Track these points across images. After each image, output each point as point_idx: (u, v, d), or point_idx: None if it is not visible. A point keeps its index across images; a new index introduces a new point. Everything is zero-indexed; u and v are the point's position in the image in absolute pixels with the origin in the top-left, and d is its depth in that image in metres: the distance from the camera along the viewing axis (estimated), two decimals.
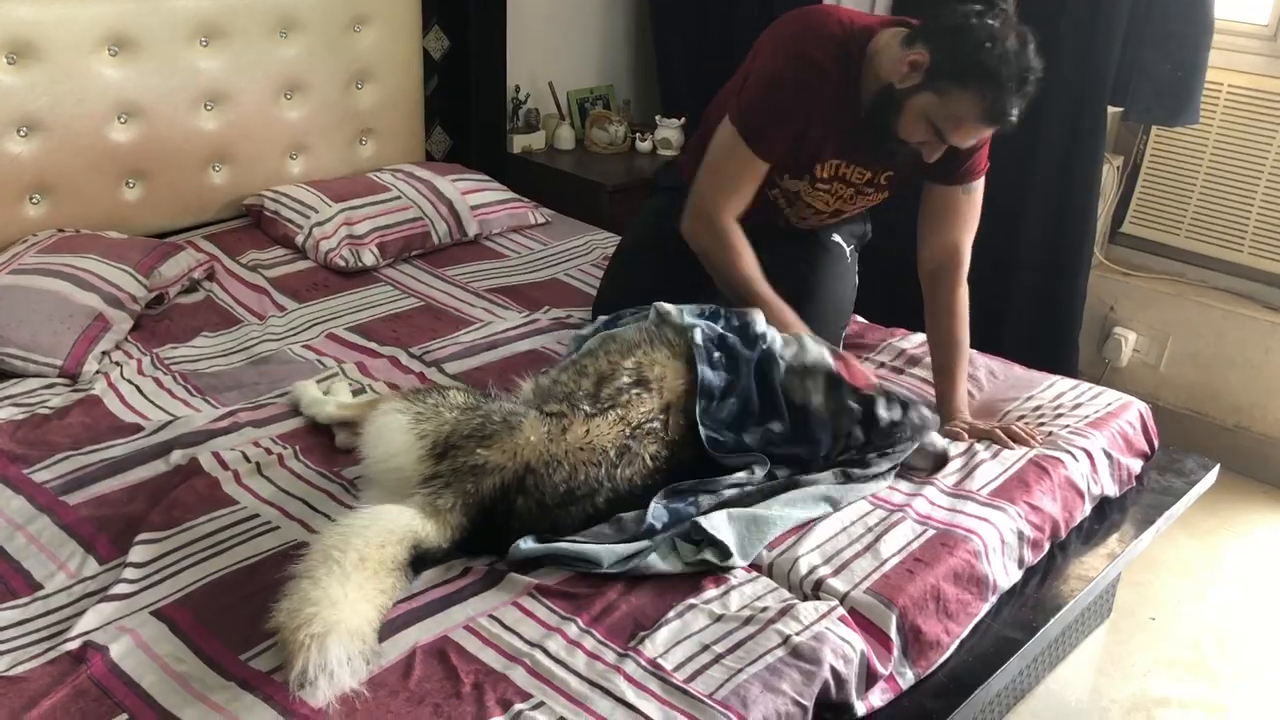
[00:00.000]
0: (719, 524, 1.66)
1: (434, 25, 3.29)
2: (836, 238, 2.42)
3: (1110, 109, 2.92)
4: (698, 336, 1.88)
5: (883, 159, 2.16)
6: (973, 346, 2.26)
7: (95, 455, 1.87)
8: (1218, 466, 2.26)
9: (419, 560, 1.57)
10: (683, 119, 3.69)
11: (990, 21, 1.89)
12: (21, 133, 2.53)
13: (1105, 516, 2.06)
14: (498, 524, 1.65)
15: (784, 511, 1.74)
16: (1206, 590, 2.59)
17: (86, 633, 1.46)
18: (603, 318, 2.14)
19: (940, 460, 1.95)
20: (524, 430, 1.68)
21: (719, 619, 1.54)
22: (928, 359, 2.26)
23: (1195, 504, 2.22)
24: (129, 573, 1.57)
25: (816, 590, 1.62)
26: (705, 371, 1.83)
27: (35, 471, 1.82)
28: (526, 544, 1.61)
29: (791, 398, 1.88)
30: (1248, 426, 3.08)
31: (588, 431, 1.70)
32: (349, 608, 1.41)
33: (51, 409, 2.02)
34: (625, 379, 1.79)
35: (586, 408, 1.74)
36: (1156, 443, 2.24)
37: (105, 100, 2.63)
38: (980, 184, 2.20)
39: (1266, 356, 3.00)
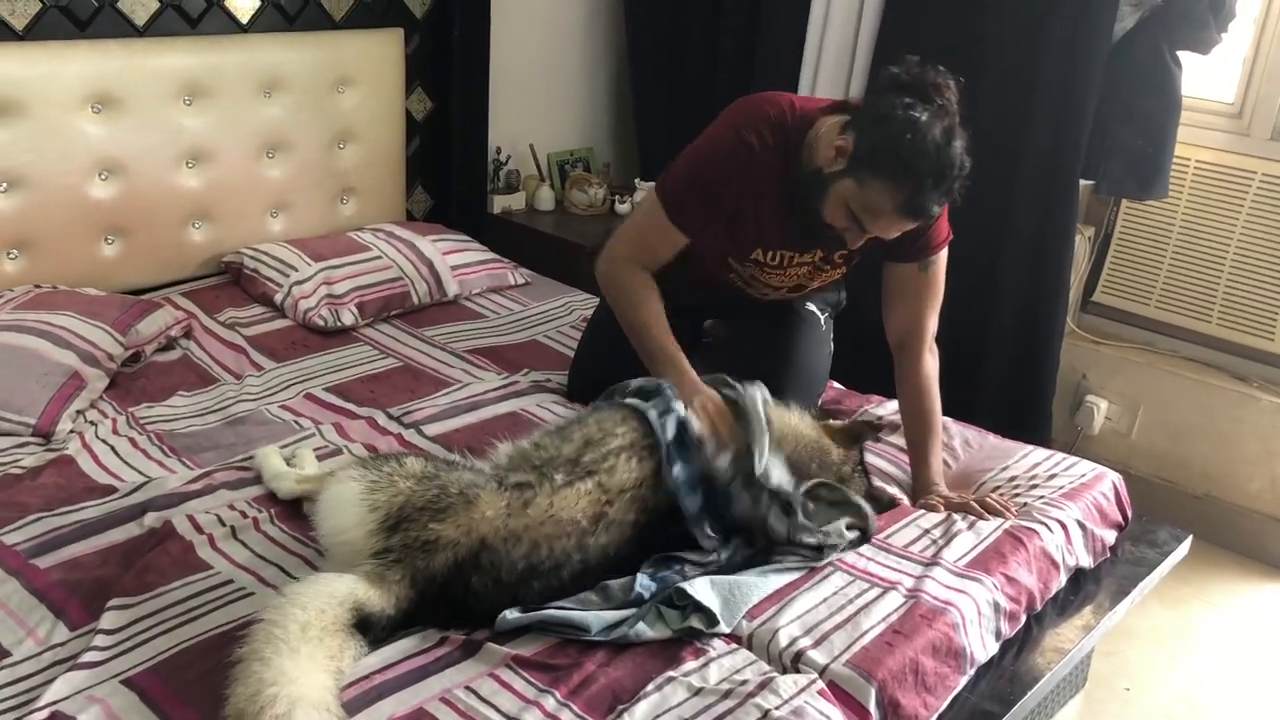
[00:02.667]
0: (702, 590, 1.66)
1: (417, 87, 3.33)
2: (811, 306, 2.44)
3: (1082, 182, 2.97)
4: (668, 431, 1.81)
5: (817, 243, 2.16)
6: (947, 414, 2.27)
7: (68, 517, 1.84)
8: (1190, 538, 2.28)
9: (364, 625, 1.53)
10: None
11: (916, 114, 1.86)
12: (2, 188, 2.52)
13: (1080, 588, 2.07)
14: (453, 599, 1.61)
15: (765, 574, 1.75)
16: (1180, 660, 2.60)
17: (55, 702, 1.42)
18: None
19: (888, 504, 2.01)
20: (479, 505, 1.63)
21: (698, 692, 1.52)
22: (902, 426, 2.28)
23: (1167, 573, 2.23)
24: (99, 639, 1.54)
25: (796, 662, 1.61)
26: (674, 472, 1.78)
27: (6, 534, 1.79)
28: (513, 614, 1.60)
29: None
30: (1218, 496, 3.11)
31: (551, 504, 1.66)
32: (305, 680, 1.39)
33: (23, 469, 2.00)
34: (615, 443, 1.77)
35: (559, 477, 1.71)
36: (1130, 513, 2.26)
37: (87, 157, 2.63)
38: (939, 258, 2.20)
39: (1236, 426, 3.04)
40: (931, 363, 2.24)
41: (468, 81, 3.38)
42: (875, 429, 2.14)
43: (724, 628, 1.64)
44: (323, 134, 3.08)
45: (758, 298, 2.35)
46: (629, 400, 1.90)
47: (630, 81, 3.88)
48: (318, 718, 1.36)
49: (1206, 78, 3.04)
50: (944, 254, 2.22)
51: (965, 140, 1.91)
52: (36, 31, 2.54)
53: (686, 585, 1.66)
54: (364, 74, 3.11)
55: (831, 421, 2.09)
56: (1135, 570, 2.16)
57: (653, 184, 3.64)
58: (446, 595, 1.61)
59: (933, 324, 2.24)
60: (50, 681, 1.47)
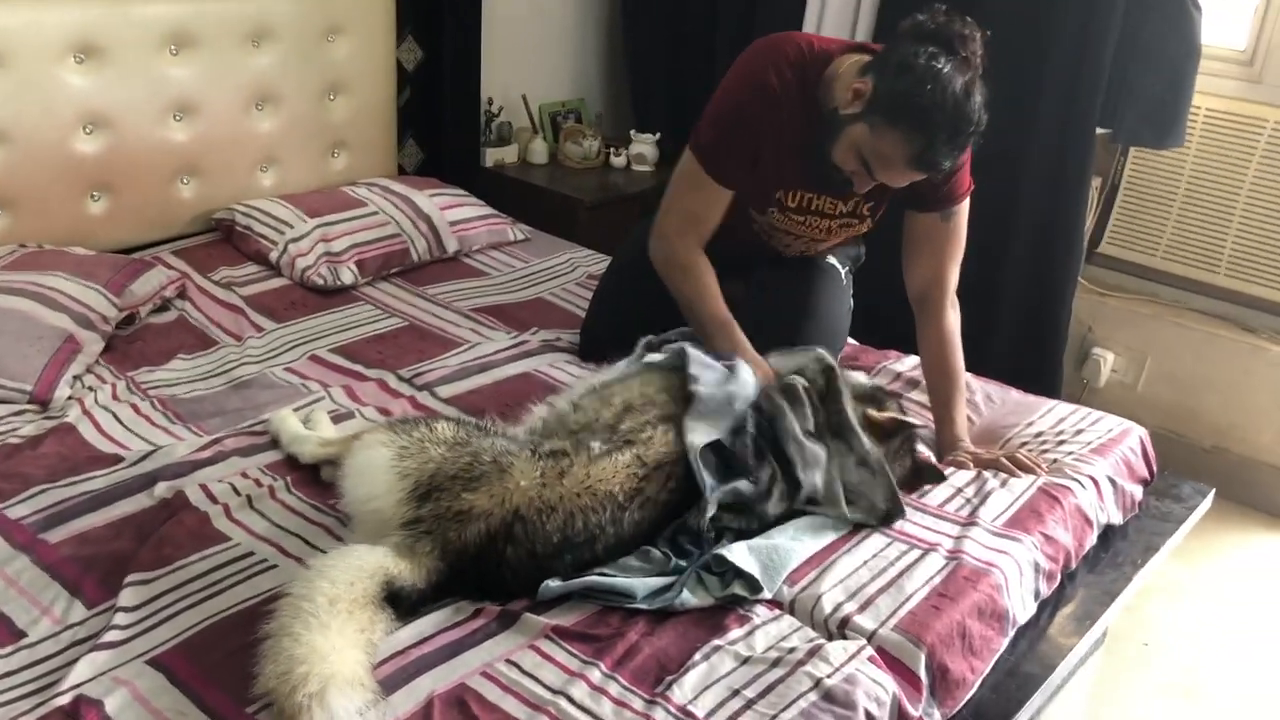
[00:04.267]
0: (740, 555, 1.61)
1: (408, 36, 3.21)
2: (831, 259, 2.39)
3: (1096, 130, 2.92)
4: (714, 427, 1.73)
5: (829, 185, 2.11)
6: None
7: (74, 488, 1.76)
8: (1213, 492, 2.26)
9: (394, 599, 1.47)
10: (658, 135, 3.64)
11: (937, 65, 1.81)
12: None
13: (1109, 544, 2.05)
14: (485, 571, 1.55)
15: (799, 537, 1.70)
16: (1195, 614, 2.60)
17: (78, 685, 1.35)
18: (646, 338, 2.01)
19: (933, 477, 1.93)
20: (514, 474, 1.57)
21: (746, 661, 1.48)
22: (925, 382, 2.24)
23: None
24: (120, 618, 1.47)
25: (842, 628, 1.57)
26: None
27: (10, 506, 1.70)
28: (556, 583, 1.54)
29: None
30: (1226, 448, 3.10)
31: (589, 475, 1.60)
32: (337, 657, 1.33)
33: (23, 438, 1.91)
34: (655, 413, 1.71)
35: (596, 445, 1.64)
36: (1155, 469, 2.23)
37: (71, 110, 2.52)
38: (961, 208, 2.16)
39: (1245, 378, 3.02)
40: (954, 317, 2.19)
41: (459, 29, 3.26)
42: (908, 426, 1.97)
43: (766, 594, 1.60)
44: (313, 85, 2.97)
45: (780, 250, 2.29)
46: (670, 362, 1.85)
47: (623, 29, 3.77)
48: (352, 695, 1.30)
49: (1217, 23, 2.98)
50: (966, 205, 2.17)
51: (985, 95, 1.86)
52: None
53: (725, 551, 1.61)
54: (354, 22, 2.99)
55: (871, 412, 1.98)
56: (1162, 525, 2.13)
57: (649, 135, 3.61)
58: (478, 567, 1.55)
59: (954, 277, 2.20)
60: (71, 663, 1.40)
